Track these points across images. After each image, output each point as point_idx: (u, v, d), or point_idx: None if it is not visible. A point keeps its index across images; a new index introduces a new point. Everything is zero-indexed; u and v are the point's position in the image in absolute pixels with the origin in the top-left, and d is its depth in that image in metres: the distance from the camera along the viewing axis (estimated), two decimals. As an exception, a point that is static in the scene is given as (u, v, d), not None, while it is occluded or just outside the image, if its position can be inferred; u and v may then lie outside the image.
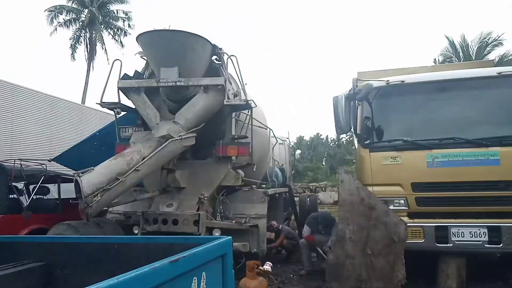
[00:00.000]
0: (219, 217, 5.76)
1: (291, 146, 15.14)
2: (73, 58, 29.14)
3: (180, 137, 5.26)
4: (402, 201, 5.12)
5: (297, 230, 9.51)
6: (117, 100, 5.85)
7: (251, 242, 5.59)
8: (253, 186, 6.43)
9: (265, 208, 5.91)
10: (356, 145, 6.07)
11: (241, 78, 5.80)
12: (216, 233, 5.43)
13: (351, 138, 20.63)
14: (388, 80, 5.42)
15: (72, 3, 29.05)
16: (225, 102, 5.52)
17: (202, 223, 5.41)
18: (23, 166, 6.36)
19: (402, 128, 5.54)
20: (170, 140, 5.19)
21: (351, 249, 4.65)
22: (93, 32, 29.20)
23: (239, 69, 5.74)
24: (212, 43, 5.65)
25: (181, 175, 5.87)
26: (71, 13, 29.02)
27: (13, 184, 6.25)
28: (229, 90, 5.60)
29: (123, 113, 6.37)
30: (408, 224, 4.66)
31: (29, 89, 11.26)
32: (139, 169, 4.90)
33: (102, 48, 29.22)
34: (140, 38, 5.41)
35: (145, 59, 6.08)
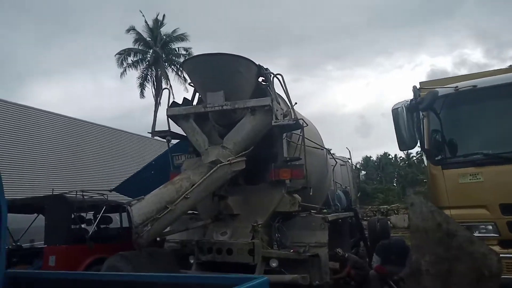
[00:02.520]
0: (275, 245, 5.36)
1: (355, 166, 14.28)
2: (142, 95, 31.71)
3: (229, 162, 5.07)
4: (490, 227, 4.30)
5: (367, 257, 8.70)
6: (167, 128, 5.88)
7: (312, 273, 5.09)
8: (312, 211, 5.95)
9: (326, 236, 5.38)
10: (426, 162, 5.34)
11: (289, 97, 5.55)
12: (273, 264, 5.08)
13: (422, 156, 19.00)
14: (457, 86, 4.75)
15: (139, 45, 31.88)
16: (273, 123, 5.28)
17: (258, 253, 5.08)
18: (85, 197, 6.62)
19: (480, 140, 4.81)
20: (219, 165, 5.02)
21: (429, 284, 3.92)
22: (158, 69, 31.59)
23: (286, 88, 5.55)
24: (257, 64, 5.52)
25: (234, 201, 5.64)
26: (138, 54, 31.81)
27: (79, 214, 6.48)
28: (277, 110, 5.38)
29: (176, 141, 6.41)
30: (501, 255, 3.82)
31: (96, 124, 12.16)
32: (188, 196, 4.77)
33: (167, 84, 31.26)
34: (185, 65, 5.47)
35: (192, 86, 6.09)
